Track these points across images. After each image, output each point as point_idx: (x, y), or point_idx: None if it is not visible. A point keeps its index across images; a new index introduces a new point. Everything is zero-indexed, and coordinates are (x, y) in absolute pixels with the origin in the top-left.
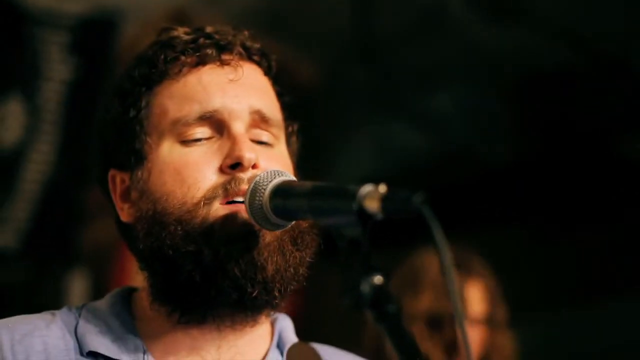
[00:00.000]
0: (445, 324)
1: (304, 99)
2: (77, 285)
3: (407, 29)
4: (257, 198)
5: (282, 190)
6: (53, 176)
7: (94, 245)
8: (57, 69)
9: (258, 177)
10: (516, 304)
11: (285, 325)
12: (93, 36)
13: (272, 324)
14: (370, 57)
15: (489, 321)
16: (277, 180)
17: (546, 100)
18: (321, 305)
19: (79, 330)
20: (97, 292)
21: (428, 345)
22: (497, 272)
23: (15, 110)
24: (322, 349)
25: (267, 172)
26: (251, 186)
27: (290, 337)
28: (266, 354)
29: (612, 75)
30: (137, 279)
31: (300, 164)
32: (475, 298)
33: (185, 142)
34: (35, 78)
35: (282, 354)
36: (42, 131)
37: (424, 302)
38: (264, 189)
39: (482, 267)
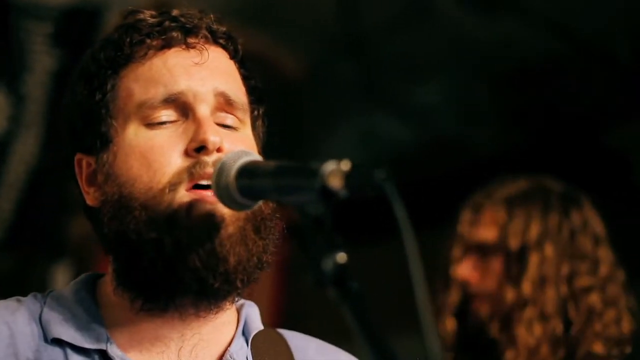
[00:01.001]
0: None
1: (290, 91)
2: (62, 277)
3: (394, 20)
4: (223, 178)
5: (247, 170)
6: (38, 167)
7: (80, 237)
8: (42, 60)
9: (225, 157)
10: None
11: (252, 312)
12: (77, 27)
13: (239, 311)
14: (356, 49)
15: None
16: (243, 160)
17: (533, 91)
18: (303, 296)
19: (44, 317)
20: None
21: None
22: None
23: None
24: (288, 334)
25: (234, 153)
26: (217, 166)
27: (256, 324)
28: (231, 341)
29: (599, 67)
30: None
31: (286, 155)
32: (483, 225)
33: (151, 125)
34: (20, 69)
35: (247, 341)
36: (27, 122)
37: None
38: (230, 169)
39: (507, 201)
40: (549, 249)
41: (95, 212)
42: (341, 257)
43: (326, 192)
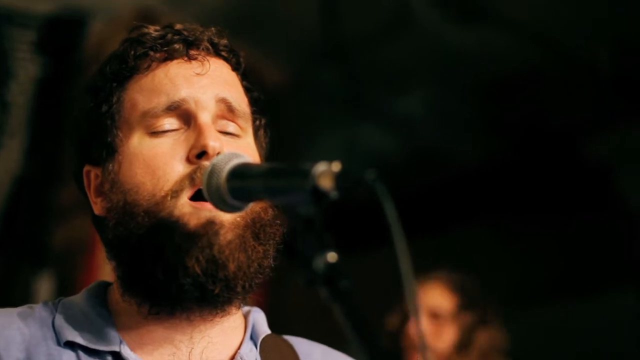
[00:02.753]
0: None
1: (273, 100)
2: (45, 285)
3: (376, 30)
4: (215, 180)
5: (239, 172)
6: (22, 176)
7: (63, 246)
8: (26, 68)
9: (215, 160)
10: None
11: (259, 317)
12: (61, 35)
13: (246, 317)
14: (338, 59)
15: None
16: (234, 162)
17: (514, 101)
18: (285, 302)
19: (56, 322)
20: (63, 293)
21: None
22: (465, 270)
23: None
24: (294, 340)
25: (224, 155)
26: (208, 169)
27: (264, 329)
28: (240, 345)
29: (580, 78)
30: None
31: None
32: (438, 294)
33: (154, 133)
34: (4, 77)
35: (255, 345)
36: (11, 130)
37: None
38: (221, 171)
39: (446, 272)
40: (489, 328)
41: (102, 220)
42: (332, 256)
43: (317, 193)
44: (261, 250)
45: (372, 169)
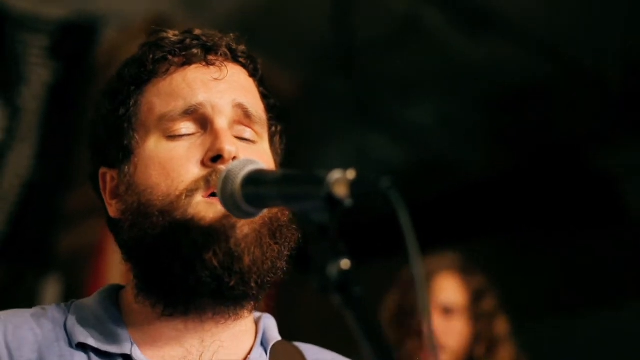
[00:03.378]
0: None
1: (283, 109)
2: (52, 290)
3: (387, 40)
4: (229, 186)
5: (253, 178)
6: (31, 179)
7: (70, 251)
8: (38, 72)
9: (230, 166)
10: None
11: (269, 323)
12: (73, 40)
13: (257, 323)
14: (349, 68)
15: (471, 311)
16: (249, 168)
17: (523, 113)
18: (296, 309)
19: (68, 323)
20: (70, 297)
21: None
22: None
23: None
24: (305, 347)
25: (239, 161)
26: (223, 174)
27: (274, 335)
28: (250, 351)
29: (588, 91)
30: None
31: None
32: (450, 288)
33: (171, 137)
34: (15, 81)
35: (266, 351)
36: (22, 135)
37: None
38: (236, 177)
39: (457, 261)
40: (501, 317)
41: (117, 222)
42: (345, 263)
43: (332, 200)
44: (276, 250)
45: (386, 176)
